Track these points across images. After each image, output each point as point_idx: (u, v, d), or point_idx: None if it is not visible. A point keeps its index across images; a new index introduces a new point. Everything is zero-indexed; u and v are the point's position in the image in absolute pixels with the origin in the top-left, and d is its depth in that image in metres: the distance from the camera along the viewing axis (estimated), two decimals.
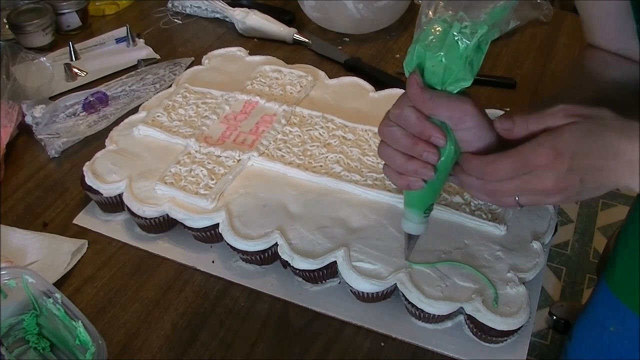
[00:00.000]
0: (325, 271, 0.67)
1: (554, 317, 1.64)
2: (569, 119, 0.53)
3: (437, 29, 0.51)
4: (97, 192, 0.76)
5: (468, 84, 0.53)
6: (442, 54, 0.50)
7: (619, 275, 0.76)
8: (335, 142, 0.79)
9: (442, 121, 0.54)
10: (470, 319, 0.63)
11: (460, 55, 0.50)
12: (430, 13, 0.52)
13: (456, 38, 0.50)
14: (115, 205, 0.77)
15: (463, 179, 0.57)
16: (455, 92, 0.53)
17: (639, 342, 0.74)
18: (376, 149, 0.75)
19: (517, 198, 0.55)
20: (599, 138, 0.52)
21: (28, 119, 0.92)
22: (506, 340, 0.64)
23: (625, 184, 0.54)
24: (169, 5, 1.21)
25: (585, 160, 0.52)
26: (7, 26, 1.11)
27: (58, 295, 0.60)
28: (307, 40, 1.10)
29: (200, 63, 0.99)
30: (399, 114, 0.55)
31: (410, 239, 0.63)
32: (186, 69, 0.99)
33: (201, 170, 0.76)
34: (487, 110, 0.68)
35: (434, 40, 0.51)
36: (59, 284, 0.70)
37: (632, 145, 0.52)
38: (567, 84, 0.72)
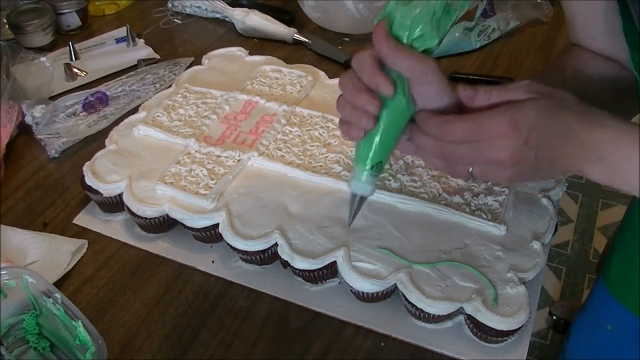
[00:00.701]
0: (325, 271, 0.67)
1: (554, 317, 1.64)
2: (531, 95, 0.54)
3: None
4: (97, 192, 0.76)
5: (433, 44, 0.54)
6: (411, 5, 0.53)
7: (615, 274, 0.77)
8: (335, 142, 0.79)
9: (399, 76, 0.54)
10: (470, 319, 0.63)
11: (428, 9, 0.53)
12: None
13: None
14: (115, 205, 0.77)
15: (418, 139, 0.56)
16: (419, 50, 0.54)
17: (636, 341, 0.74)
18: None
19: (470, 169, 0.55)
20: (558, 117, 0.53)
21: (28, 119, 0.92)
22: (506, 340, 0.64)
23: (579, 168, 0.54)
24: (169, 5, 1.21)
25: (542, 136, 0.52)
26: (7, 26, 1.11)
27: (58, 295, 0.60)
28: (307, 40, 1.10)
29: (200, 63, 0.99)
30: (356, 60, 0.56)
31: (355, 200, 0.60)
32: (186, 69, 0.99)
33: (201, 170, 0.76)
34: None
35: None
36: (59, 284, 0.70)
37: (589, 130, 0.53)
38: (545, 71, 0.73)
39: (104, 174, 0.77)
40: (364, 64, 0.55)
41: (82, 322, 0.58)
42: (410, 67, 0.54)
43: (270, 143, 0.80)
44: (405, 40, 0.54)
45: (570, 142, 0.53)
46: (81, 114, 0.94)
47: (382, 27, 0.53)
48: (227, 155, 0.78)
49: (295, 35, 1.10)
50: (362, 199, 0.60)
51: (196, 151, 0.79)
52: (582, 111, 0.54)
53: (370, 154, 0.57)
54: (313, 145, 0.79)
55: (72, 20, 1.15)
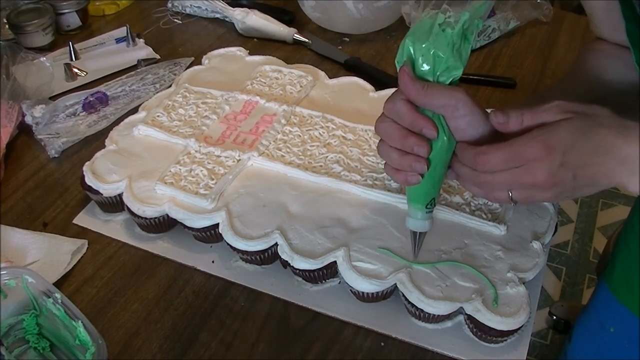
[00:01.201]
0: (325, 271, 0.67)
1: (554, 317, 1.64)
2: (564, 115, 0.54)
3: (424, 22, 0.53)
4: (97, 192, 0.76)
5: (459, 72, 0.54)
6: (429, 42, 0.53)
7: (618, 276, 0.76)
8: (335, 142, 0.79)
9: (435, 113, 0.55)
10: (470, 319, 0.63)
11: (447, 42, 0.52)
12: (417, 13, 0.54)
13: (442, 27, 0.52)
14: (115, 205, 0.77)
15: (457, 169, 0.58)
16: (447, 83, 0.54)
17: (639, 343, 0.74)
18: (376, 148, 0.76)
19: (510, 193, 0.55)
20: (592, 135, 0.52)
21: (28, 119, 0.92)
22: (506, 340, 0.64)
23: (619, 182, 0.54)
24: (169, 5, 1.21)
25: (578, 156, 0.52)
26: (7, 26, 1.11)
27: (58, 295, 0.60)
28: (307, 40, 1.10)
29: (200, 63, 0.99)
30: (391, 107, 0.56)
31: (416, 237, 0.63)
32: (186, 69, 0.99)
33: (201, 170, 0.76)
34: (488, 110, 0.68)
35: (421, 33, 0.53)
36: (59, 284, 0.70)
37: (627, 143, 0.52)
38: (567, 75, 0.72)
39: (104, 174, 0.77)
40: (401, 109, 0.55)
41: (82, 322, 0.58)
42: (442, 104, 0.54)
43: (270, 143, 0.80)
44: (431, 78, 0.54)
45: (607, 157, 0.52)
46: (81, 114, 0.94)
47: (406, 70, 0.54)
48: (227, 155, 0.78)
49: (295, 35, 1.10)
50: (423, 234, 0.62)
51: (196, 151, 0.79)
52: (615, 124, 0.53)
53: (425, 194, 0.59)
54: (313, 145, 0.79)
55: (72, 20, 1.15)
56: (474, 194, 0.59)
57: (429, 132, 0.55)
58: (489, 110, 0.56)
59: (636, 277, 0.73)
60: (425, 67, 0.54)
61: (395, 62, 0.55)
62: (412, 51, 0.54)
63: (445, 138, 0.56)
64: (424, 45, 0.53)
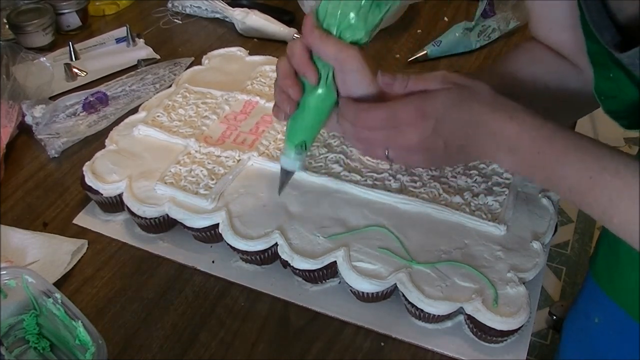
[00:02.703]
0: (325, 271, 0.68)
1: (554, 317, 1.64)
2: (445, 85, 0.56)
3: None
4: (97, 192, 0.76)
5: (361, 35, 0.57)
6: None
7: (600, 266, 0.77)
8: (335, 142, 0.79)
9: (325, 65, 0.58)
10: (470, 319, 0.63)
11: (355, 2, 0.56)
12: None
13: None
14: (115, 205, 0.77)
15: (341, 123, 0.60)
16: (348, 42, 0.57)
17: (622, 333, 0.74)
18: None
19: (386, 153, 0.58)
20: (467, 107, 0.55)
21: (28, 119, 0.92)
22: (506, 340, 0.64)
23: (490, 157, 0.57)
24: (169, 5, 1.21)
25: (450, 125, 0.55)
26: (7, 26, 1.11)
27: (58, 295, 0.60)
28: None
29: (200, 63, 0.99)
30: (290, 46, 0.59)
31: (284, 174, 0.66)
32: (186, 69, 0.99)
33: (201, 170, 0.76)
34: None
35: None
36: (59, 284, 0.70)
37: (498, 119, 0.55)
38: (488, 67, 0.74)
39: (104, 174, 0.77)
40: (296, 51, 0.58)
41: (82, 322, 0.58)
42: (333, 55, 0.57)
43: (270, 143, 0.80)
44: (334, 31, 0.57)
45: (480, 132, 0.55)
46: (81, 114, 0.94)
47: (310, 18, 0.57)
48: (227, 155, 0.78)
49: (295, 35, 1.10)
50: (290, 173, 0.66)
51: (196, 151, 0.79)
52: (493, 102, 0.56)
53: (295, 134, 0.63)
54: (313, 146, 0.79)
55: (72, 20, 1.15)
56: (357, 150, 0.62)
57: (310, 77, 0.58)
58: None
59: (617, 266, 0.73)
60: (332, 21, 0.57)
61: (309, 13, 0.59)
62: (325, 5, 0.57)
63: (324, 87, 0.59)
64: (334, 1, 0.57)
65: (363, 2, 0.56)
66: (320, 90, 0.59)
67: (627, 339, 0.73)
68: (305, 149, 0.63)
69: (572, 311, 0.85)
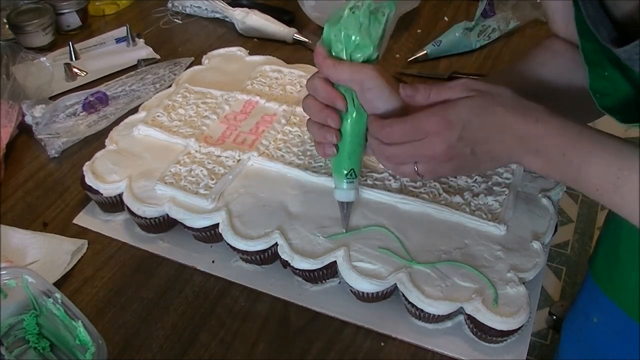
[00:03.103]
0: (325, 271, 0.68)
1: (554, 317, 1.64)
2: (467, 93, 0.57)
3: (340, 9, 0.60)
4: (97, 192, 0.76)
5: (369, 50, 0.59)
6: (341, 24, 0.59)
7: (599, 266, 0.77)
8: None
9: (347, 89, 0.60)
10: (470, 319, 0.63)
11: (355, 23, 0.58)
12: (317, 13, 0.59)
13: (352, 10, 0.58)
14: (115, 205, 0.77)
15: (369, 142, 0.61)
16: (360, 61, 0.59)
17: (621, 333, 0.74)
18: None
19: (416, 168, 0.59)
20: (491, 112, 0.56)
21: (28, 119, 0.92)
22: (506, 340, 0.64)
23: (517, 160, 0.58)
24: (169, 5, 1.21)
25: (475, 131, 0.56)
26: (7, 26, 1.11)
27: (58, 295, 0.60)
28: (307, 40, 1.10)
29: (200, 63, 0.99)
30: (310, 84, 0.61)
31: (343, 207, 0.68)
32: (186, 69, 0.99)
33: (201, 170, 0.76)
34: None
35: (336, 18, 0.59)
36: (59, 284, 0.70)
37: (524, 122, 0.55)
38: (509, 66, 0.74)
39: (104, 174, 0.77)
40: (318, 85, 0.60)
41: (82, 322, 0.58)
42: (349, 79, 0.59)
43: (270, 143, 0.80)
44: (344, 56, 0.59)
45: (507, 136, 0.56)
46: (81, 114, 0.94)
47: (320, 49, 0.59)
48: (227, 155, 0.78)
49: (295, 35, 1.10)
50: (349, 204, 0.68)
51: (196, 151, 0.79)
52: (517, 105, 0.56)
53: (341, 165, 0.64)
54: (313, 146, 0.79)
55: (72, 20, 1.15)
56: (385, 167, 0.63)
57: (339, 104, 0.60)
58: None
59: (616, 266, 0.73)
60: (339, 46, 0.59)
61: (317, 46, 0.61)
62: (328, 34, 0.59)
63: (354, 110, 0.61)
64: (336, 27, 0.59)
65: (361, 19, 0.58)
66: (352, 114, 0.61)
67: (625, 339, 0.73)
68: (355, 176, 0.65)
69: (572, 311, 0.85)
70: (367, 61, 0.60)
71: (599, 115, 0.67)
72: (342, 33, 0.58)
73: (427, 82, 0.91)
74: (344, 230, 0.69)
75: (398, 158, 0.59)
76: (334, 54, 0.60)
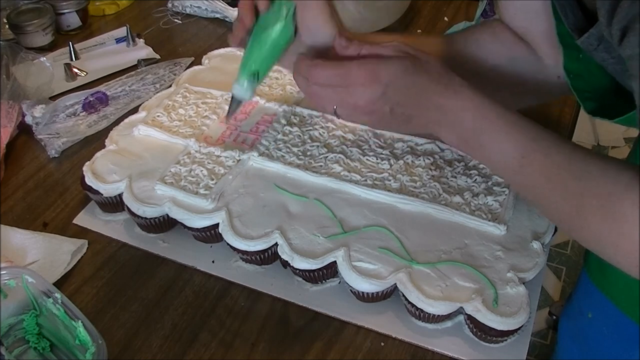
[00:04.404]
0: (325, 271, 0.68)
1: (554, 317, 1.64)
2: (398, 54, 0.57)
3: None
4: (97, 192, 0.76)
5: None
6: None
7: (593, 261, 0.77)
8: (335, 142, 0.79)
9: (289, 1, 0.61)
10: (470, 319, 0.63)
11: None
12: None
13: None
14: (115, 205, 0.77)
15: (295, 77, 0.62)
16: None
17: (614, 328, 0.74)
18: (376, 149, 0.76)
19: (335, 108, 0.59)
20: (417, 77, 0.57)
21: (28, 119, 0.92)
22: (506, 340, 0.64)
23: (433, 130, 0.59)
24: (169, 5, 1.21)
25: (398, 92, 0.57)
26: (7, 26, 1.11)
27: (58, 295, 0.60)
28: None
29: (200, 63, 0.99)
30: None
31: (235, 103, 0.68)
32: (186, 69, 0.99)
33: (201, 170, 0.76)
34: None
35: None
36: (59, 284, 0.70)
37: (445, 94, 0.56)
38: (447, 38, 0.75)
39: (104, 174, 0.77)
40: None
41: (82, 322, 0.58)
42: None
43: (270, 143, 0.80)
44: None
45: (426, 103, 0.57)
46: (81, 114, 0.94)
47: None
48: (227, 155, 0.78)
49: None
50: (240, 102, 0.68)
51: (196, 151, 0.79)
52: (442, 76, 0.57)
53: (249, 64, 0.64)
54: (313, 146, 0.79)
55: (72, 20, 1.15)
56: (308, 100, 0.64)
57: (260, 4, 0.61)
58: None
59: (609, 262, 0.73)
60: None
61: None
62: None
63: (282, 22, 0.62)
64: None
65: None
66: (278, 24, 0.61)
67: (619, 334, 0.73)
68: (258, 79, 0.65)
69: (568, 307, 0.85)
70: None
71: (524, 106, 0.68)
72: None
73: None
74: (225, 122, 0.71)
75: (320, 97, 0.60)
76: None
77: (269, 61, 0.64)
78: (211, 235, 0.72)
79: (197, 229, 0.72)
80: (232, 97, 0.67)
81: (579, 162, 0.52)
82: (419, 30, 1.14)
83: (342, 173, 0.75)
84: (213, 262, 0.73)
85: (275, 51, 0.63)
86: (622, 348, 0.74)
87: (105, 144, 0.82)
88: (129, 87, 0.99)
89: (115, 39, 1.13)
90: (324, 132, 0.80)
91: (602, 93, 0.60)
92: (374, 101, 0.57)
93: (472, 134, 0.57)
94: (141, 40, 1.12)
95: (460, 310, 0.64)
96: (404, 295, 0.64)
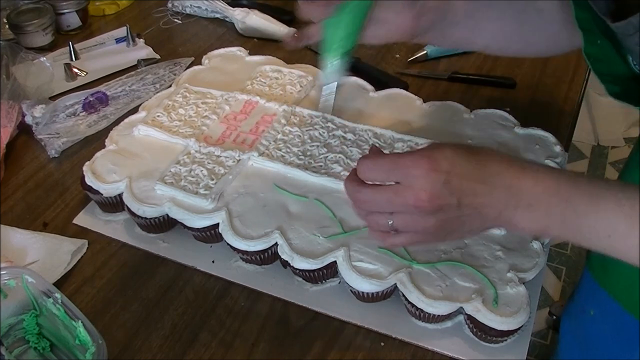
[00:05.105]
0: (325, 271, 0.68)
1: (554, 317, 1.64)
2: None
3: None
4: (97, 192, 0.76)
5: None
6: None
7: (595, 257, 0.77)
8: (335, 142, 0.79)
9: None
10: (470, 319, 0.63)
11: None
12: None
13: None
14: (115, 205, 0.77)
15: (345, 186, 0.56)
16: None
17: (616, 326, 0.74)
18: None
19: (390, 221, 0.52)
20: (478, 159, 0.51)
21: (28, 119, 0.92)
22: (506, 340, 0.64)
23: (508, 216, 0.51)
24: (169, 5, 1.21)
25: (462, 179, 0.50)
26: (7, 26, 1.11)
27: (58, 295, 0.60)
28: None
29: (200, 63, 0.99)
30: None
31: (329, 90, 0.65)
32: (186, 69, 0.99)
33: (201, 170, 0.76)
34: (487, 110, 0.70)
35: None
36: (59, 284, 0.70)
37: (512, 172, 0.51)
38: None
39: (104, 174, 0.77)
40: None
41: (82, 322, 0.58)
42: None
43: (270, 143, 0.80)
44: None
45: (492, 185, 0.51)
46: (81, 114, 0.94)
47: None
48: (227, 155, 0.78)
49: (295, 35, 1.10)
50: (335, 87, 0.66)
51: (196, 151, 0.79)
52: (506, 157, 0.52)
53: (336, 43, 0.62)
54: (313, 146, 0.79)
55: (72, 20, 1.15)
56: (357, 215, 0.56)
57: None
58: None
59: (610, 258, 0.73)
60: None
61: None
62: None
63: None
64: None
65: None
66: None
67: (621, 332, 0.73)
68: (344, 60, 0.62)
69: (570, 305, 0.85)
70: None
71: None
72: None
73: (427, 82, 0.91)
74: (327, 114, 0.67)
75: (370, 204, 0.53)
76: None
77: (355, 35, 0.61)
78: (211, 235, 0.72)
79: (197, 229, 0.72)
80: (324, 87, 0.64)
81: None
82: None
83: (342, 173, 0.75)
84: (213, 262, 0.73)
85: (359, 21, 0.59)
86: (624, 346, 0.74)
87: (105, 144, 0.82)
88: (129, 87, 0.99)
89: (115, 39, 1.13)
90: (324, 132, 0.80)
91: (623, 79, 0.56)
92: (438, 192, 0.49)
93: (550, 211, 0.50)
94: (141, 40, 1.12)
95: (460, 310, 0.64)
96: (404, 295, 0.64)
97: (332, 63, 0.61)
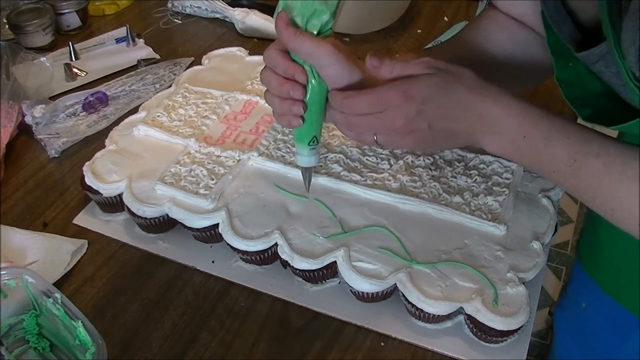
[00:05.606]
0: (325, 271, 0.68)
1: (554, 317, 1.64)
2: (429, 70, 0.57)
3: None
4: (97, 192, 0.76)
5: (326, 17, 0.58)
6: None
7: (584, 249, 0.77)
8: (335, 142, 0.79)
9: (305, 61, 0.60)
10: (470, 319, 0.63)
11: None
12: None
13: None
14: (115, 205, 0.77)
15: (330, 114, 0.62)
16: (316, 31, 0.59)
17: (608, 317, 0.74)
18: (376, 149, 0.76)
19: (375, 137, 0.60)
20: (451, 90, 0.57)
21: (28, 119, 0.92)
22: (506, 340, 0.64)
23: (476, 140, 0.59)
24: (169, 5, 1.21)
25: (434, 107, 0.57)
26: (7, 26, 1.11)
27: (58, 295, 0.60)
28: None
29: (200, 63, 0.99)
30: (267, 56, 0.62)
31: (305, 172, 0.69)
32: (186, 69, 0.99)
33: (201, 170, 0.76)
34: None
35: None
36: (59, 284, 0.70)
37: (483, 102, 0.56)
38: (456, 37, 0.75)
39: (104, 174, 0.77)
40: (275, 58, 0.60)
41: (82, 322, 0.58)
42: (309, 53, 0.58)
43: (270, 143, 0.80)
44: (301, 24, 0.58)
45: (466, 114, 0.57)
46: (81, 114, 0.94)
47: (282, 16, 0.58)
48: (227, 155, 0.78)
49: None
50: (310, 169, 0.69)
51: (196, 151, 0.79)
52: (478, 86, 0.57)
53: (304, 133, 0.65)
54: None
55: (72, 20, 1.15)
56: (348, 137, 0.64)
57: (300, 77, 0.60)
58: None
59: (598, 248, 0.73)
60: (296, 13, 0.58)
61: (274, 16, 0.60)
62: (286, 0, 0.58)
63: (314, 82, 0.61)
64: None
65: None
66: (312, 83, 0.61)
67: (613, 323, 0.74)
68: (317, 142, 0.66)
69: (562, 298, 0.86)
70: (322, 31, 0.59)
71: (536, 84, 0.71)
72: None
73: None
74: (307, 193, 0.71)
75: (359, 128, 0.60)
76: (290, 20, 0.58)
77: (318, 122, 0.64)
78: (211, 235, 0.72)
79: (197, 229, 0.72)
80: (302, 169, 0.69)
81: (632, 162, 0.52)
82: (419, 30, 1.14)
83: (342, 173, 0.75)
84: (213, 262, 0.73)
85: (319, 109, 0.63)
86: (616, 337, 0.74)
87: (105, 144, 0.82)
88: (129, 87, 0.99)
89: (115, 39, 1.13)
90: (324, 132, 0.80)
91: (595, 98, 0.60)
92: (411, 120, 0.57)
93: (518, 141, 0.56)
94: (141, 40, 1.12)
95: (460, 310, 0.64)
96: (404, 295, 0.64)
97: (305, 150, 0.66)
